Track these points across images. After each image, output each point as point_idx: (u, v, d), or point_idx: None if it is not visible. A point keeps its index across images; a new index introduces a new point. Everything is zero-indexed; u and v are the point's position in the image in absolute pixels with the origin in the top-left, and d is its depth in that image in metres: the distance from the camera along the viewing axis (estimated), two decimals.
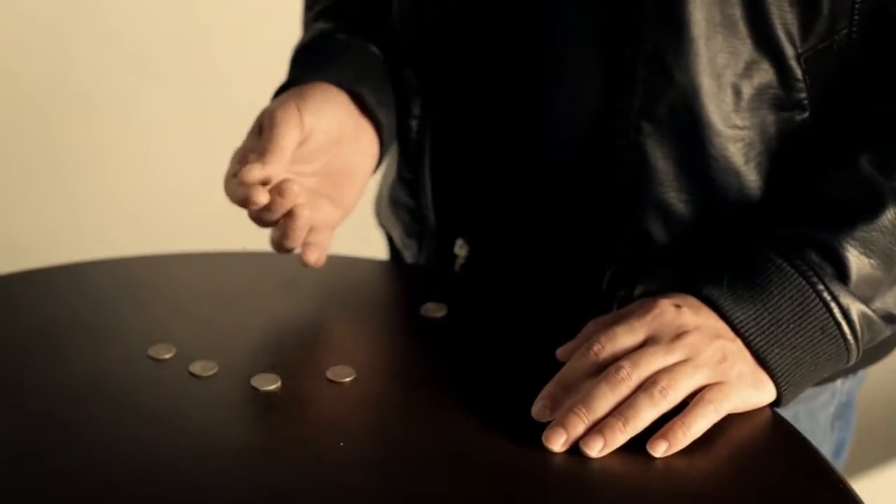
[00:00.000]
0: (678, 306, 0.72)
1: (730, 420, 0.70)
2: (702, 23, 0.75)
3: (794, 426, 0.72)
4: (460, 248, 0.90)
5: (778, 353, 0.72)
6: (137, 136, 1.72)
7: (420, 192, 0.91)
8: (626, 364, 0.69)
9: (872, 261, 0.73)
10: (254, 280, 0.86)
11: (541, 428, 0.68)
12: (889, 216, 0.73)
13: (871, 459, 2.06)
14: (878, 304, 0.74)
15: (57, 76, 1.68)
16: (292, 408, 0.71)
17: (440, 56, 0.87)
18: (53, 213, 1.73)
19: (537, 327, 0.81)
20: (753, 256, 0.74)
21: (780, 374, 0.72)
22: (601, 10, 0.79)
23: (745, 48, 0.77)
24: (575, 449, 0.67)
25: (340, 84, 0.84)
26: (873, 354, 0.90)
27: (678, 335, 0.71)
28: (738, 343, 0.72)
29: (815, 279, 0.72)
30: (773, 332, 0.72)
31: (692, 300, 0.73)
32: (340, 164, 0.84)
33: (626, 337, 0.71)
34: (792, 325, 0.72)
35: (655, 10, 0.76)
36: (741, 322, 0.72)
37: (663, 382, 0.68)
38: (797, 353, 0.72)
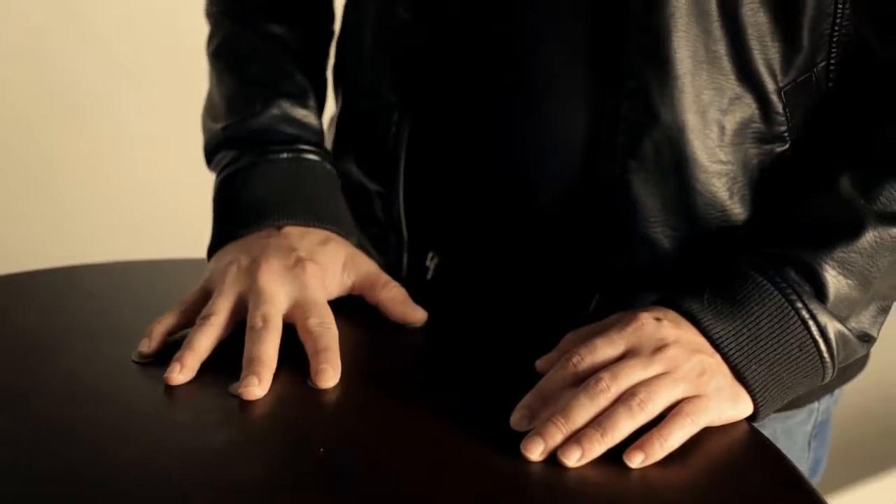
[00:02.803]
0: (658, 319, 0.73)
1: (707, 433, 0.71)
2: (687, 60, 0.76)
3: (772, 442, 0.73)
4: (430, 261, 0.90)
5: (756, 369, 0.72)
6: (126, 141, 1.71)
7: (393, 205, 0.91)
8: (605, 376, 0.70)
9: (850, 281, 0.74)
10: None
11: (519, 437, 0.68)
12: (868, 238, 0.74)
13: (846, 478, 2.07)
14: (853, 324, 0.75)
15: (44, 82, 1.68)
16: (275, 412, 0.71)
17: (425, 74, 0.87)
18: (43, 218, 1.73)
19: (517, 339, 0.81)
20: (734, 273, 0.75)
21: (757, 390, 0.72)
22: (587, 45, 0.79)
23: (729, 84, 0.77)
24: (553, 458, 0.68)
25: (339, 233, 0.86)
26: (849, 372, 0.91)
27: (658, 348, 0.71)
28: (717, 357, 0.72)
29: (793, 297, 0.73)
30: (751, 348, 0.72)
31: (672, 314, 0.74)
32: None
33: (605, 349, 0.72)
34: (770, 342, 0.73)
35: (640, 47, 0.76)
36: (720, 337, 0.73)
37: (642, 395, 0.69)
38: (775, 370, 0.73)
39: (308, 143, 0.90)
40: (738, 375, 0.72)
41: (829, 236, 0.75)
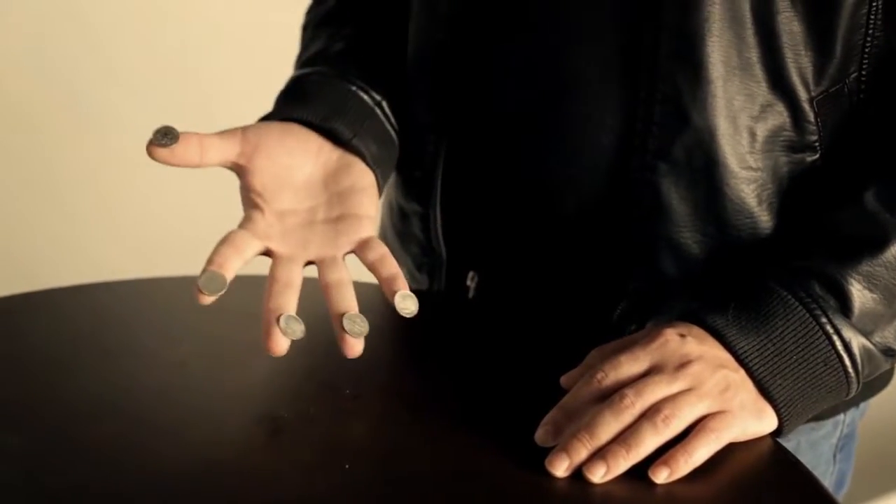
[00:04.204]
0: (682, 335, 0.73)
1: (732, 449, 0.70)
2: (719, 65, 0.76)
3: (797, 457, 0.73)
4: (471, 280, 0.90)
5: (780, 384, 0.72)
6: (128, 146, 1.71)
7: (431, 225, 0.91)
8: (629, 392, 0.70)
9: (875, 295, 0.74)
10: (261, 301, 0.86)
11: (544, 453, 0.69)
12: (893, 251, 0.74)
13: (868, 491, 2.06)
14: (878, 338, 0.75)
15: (44, 88, 1.68)
16: (297, 426, 0.72)
17: (460, 94, 0.87)
18: (44, 223, 1.73)
19: (544, 355, 0.81)
20: (758, 288, 0.75)
21: (782, 405, 0.72)
22: (619, 48, 0.79)
23: (761, 91, 0.77)
24: (578, 475, 0.68)
25: (311, 122, 0.82)
26: (875, 386, 0.91)
27: (682, 364, 0.71)
28: (742, 373, 0.72)
29: (818, 311, 0.73)
30: (776, 363, 0.72)
31: (697, 330, 0.74)
32: (345, 187, 0.81)
33: (630, 365, 0.72)
34: (795, 357, 0.73)
35: (673, 50, 0.76)
36: (745, 352, 0.72)
37: (667, 411, 0.69)
38: (799, 385, 0.73)
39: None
40: (763, 391, 0.72)
41: (854, 250, 0.74)
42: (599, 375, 0.71)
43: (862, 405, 0.94)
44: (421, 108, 0.89)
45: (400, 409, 0.74)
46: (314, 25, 0.96)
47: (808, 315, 0.73)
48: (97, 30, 1.67)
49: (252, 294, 0.88)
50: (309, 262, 0.78)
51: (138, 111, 1.69)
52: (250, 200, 0.78)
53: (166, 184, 1.73)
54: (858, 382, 0.75)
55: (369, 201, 0.81)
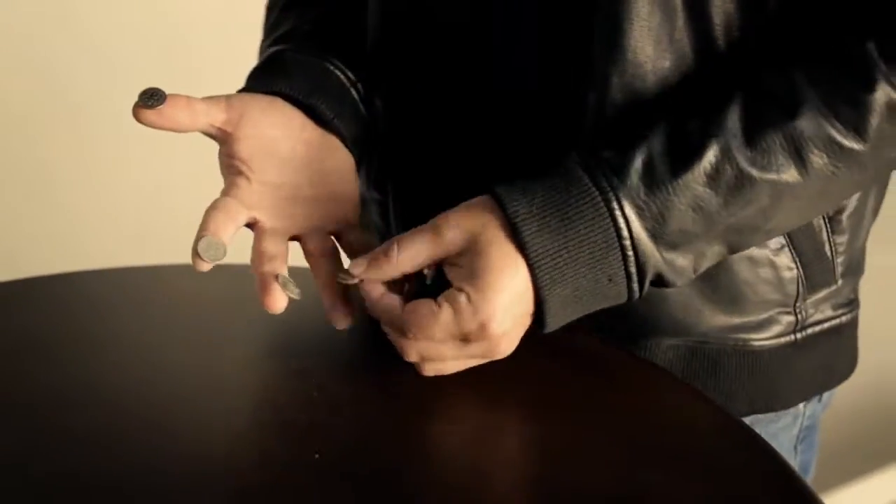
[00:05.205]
0: (469, 297, 0.70)
1: (702, 436, 0.71)
2: None
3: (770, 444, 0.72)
4: (427, 269, 0.91)
5: (558, 293, 0.70)
6: (122, 143, 1.72)
7: (388, 212, 0.92)
8: (427, 367, 0.73)
9: (696, 215, 0.71)
10: (246, 291, 0.87)
11: (523, 442, 0.70)
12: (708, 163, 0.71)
13: (838, 477, 2.09)
14: (681, 260, 0.73)
15: (39, 86, 1.68)
16: (282, 419, 0.72)
17: (403, 72, 0.88)
18: (39, 221, 1.73)
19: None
20: (573, 178, 0.71)
21: (550, 314, 0.71)
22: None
23: None
24: (551, 469, 0.68)
25: (293, 98, 0.81)
26: (837, 376, 0.92)
27: (476, 338, 0.71)
28: (523, 272, 0.70)
29: (621, 224, 0.70)
30: (563, 272, 0.70)
31: (492, 230, 0.70)
32: (329, 167, 0.81)
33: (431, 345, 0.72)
34: (584, 268, 0.70)
35: None
36: (536, 257, 0.70)
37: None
38: (577, 293, 0.71)
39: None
40: (537, 296, 0.70)
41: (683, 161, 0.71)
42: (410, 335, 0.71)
43: (825, 396, 0.96)
44: (375, 99, 0.89)
45: (373, 396, 0.75)
46: (281, 7, 0.96)
47: (612, 227, 0.70)
48: (90, 26, 1.67)
49: (237, 283, 0.89)
50: (293, 238, 0.79)
51: (131, 105, 1.68)
52: (234, 168, 0.77)
53: (159, 176, 1.74)
54: (640, 296, 0.73)
55: (352, 184, 0.82)
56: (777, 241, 0.83)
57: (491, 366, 0.74)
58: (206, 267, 0.72)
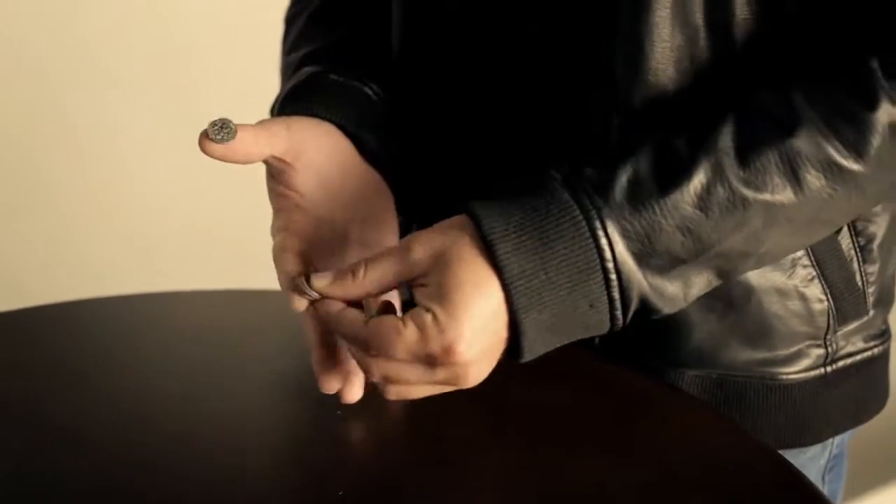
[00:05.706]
0: (435, 318, 0.65)
1: (731, 468, 0.70)
2: None
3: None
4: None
5: (535, 318, 0.66)
6: (117, 151, 1.71)
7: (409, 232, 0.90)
8: (390, 390, 0.68)
9: (685, 239, 0.67)
10: (255, 317, 0.87)
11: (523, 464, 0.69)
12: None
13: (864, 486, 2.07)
14: (670, 288, 0.69)
15: (33, 94, 1.68)
16: (292, 445, 0.73)
17: (425, 88, 0.87)
18: (36, 229, 1.73)
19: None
20: (551, 196, 0.68)
21: (527, 342, 0.66)
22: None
23: None
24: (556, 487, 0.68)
25: (343, 127, 0.79)
26: (867, 412, 0.91)
27: (442, 363, 0.66)
28: (499, 296, 0.65)
29: (604, 242, 0.66)
30: (540, 296, 0.65)
31: (467, 248, 0.66)
32: (377, 209, 0.79)
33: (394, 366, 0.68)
34: (564, 291, 0.66)
35: None
36: (511, 278, 0.65)
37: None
38: (554, 320, 0.66)
39: None
40: (513, 322, 0.66)
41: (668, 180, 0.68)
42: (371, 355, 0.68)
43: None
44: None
45: (387, 429, 0.75)
46: (305, 22, 0.94)
47: (594, 248, 0.66)
48: (83, 33, 1.67)
49: (252, 309, 0.89)
50: None
51: (127, 113, 1.69)
52: (290, 199, 0.76)
53: (155, 183, 1.74)
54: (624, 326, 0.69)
55: (395, 233, 0.80)
56: (808, 273, 0.82)
57: (518, 395, 0.73)
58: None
